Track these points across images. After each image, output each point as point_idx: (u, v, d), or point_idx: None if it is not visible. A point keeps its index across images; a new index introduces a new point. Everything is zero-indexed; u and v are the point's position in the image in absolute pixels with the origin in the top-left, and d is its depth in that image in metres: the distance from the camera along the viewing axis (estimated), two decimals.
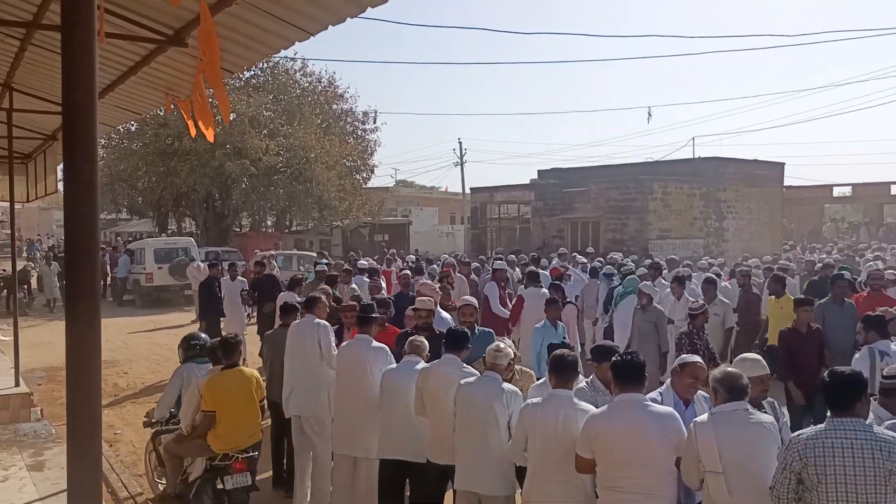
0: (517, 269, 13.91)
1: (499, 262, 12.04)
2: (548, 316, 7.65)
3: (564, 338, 7.13)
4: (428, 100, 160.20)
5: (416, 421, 5.24)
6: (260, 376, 5.91)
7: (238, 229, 34.74)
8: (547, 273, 12.21)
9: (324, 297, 6.82)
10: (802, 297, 7.77)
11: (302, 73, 31.68)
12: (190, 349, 6.35)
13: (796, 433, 3.61)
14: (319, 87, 32.30)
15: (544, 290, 9.81)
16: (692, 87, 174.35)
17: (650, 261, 13.48)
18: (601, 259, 15.06)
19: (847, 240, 29.97)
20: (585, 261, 14.77)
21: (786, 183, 30.75)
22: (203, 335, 6.82)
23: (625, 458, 3.82)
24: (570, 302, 9.10)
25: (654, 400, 4.47)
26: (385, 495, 5.45)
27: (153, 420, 6.46)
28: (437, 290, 8.46)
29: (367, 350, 5.79)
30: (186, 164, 26.71)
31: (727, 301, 9.23)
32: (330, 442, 6.10)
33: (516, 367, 5.31)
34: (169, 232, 32.78)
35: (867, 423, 3.47)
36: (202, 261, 18.21)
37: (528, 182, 30.30)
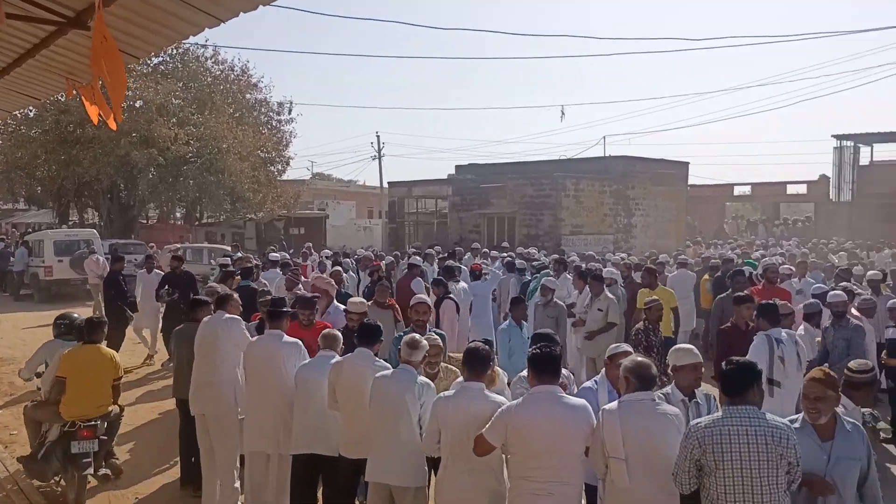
0: (434, 263, 14.01)
1: (416, 257, 12.06)
2: (513, 315, 7.68)
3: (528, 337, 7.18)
4: (346, 92, 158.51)
5: (330, 415, 5.22)
6: (117, 357, 6.51)
7: (145, 221, 33.44)
8: (464, 267, 12.36)
9: (235, 295, 6.67)
10: (743, 294, 7.50)
11: (213, 60, 30.75)
12: (56, 327, 7.05)
13: (694, 421, 3.79)
14: (232, 76, 31.43)
15: (462, 284, 9.93)
16: (603, 87, 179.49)
17: (557, 256, 13.82)
18: (512, 254, 15.33)
19: (747, 237, 31.61)
20: (501, 256, 15.00)
21: (690, 182, 32.13)
22: (75, 315, 7.20)
23: (541, 449, 3.89)
24: (450, 297, 9.10)
25: (588, 388, 4.62)
26: (298, 491, 5.40)
27: (25, 379, 7.33)
28: (333, 283, 8.40)
29: (280, 345, 5.71)
30: (89, 153, 25.50)
31: (612, 297, 9.37)
32: (237, 440, 6.00)
33: (443, 364, 5.31)
34: (70, 223, 31.24)
35: (760, 410, 3.67)
36: (105, 254, 17.44)
37: (445, 177, 30.49)
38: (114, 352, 6.58)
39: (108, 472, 6.73)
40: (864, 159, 34.69)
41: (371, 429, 4.78)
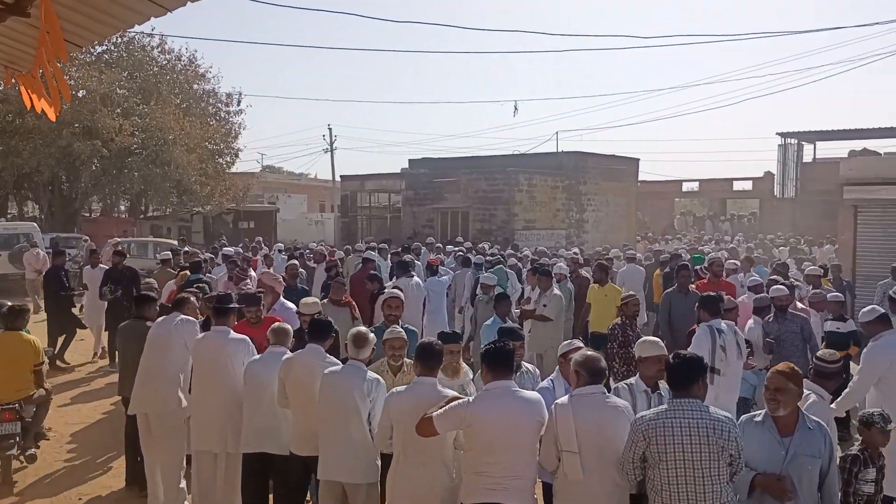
0: (388, 258, 13.94)
1: (370, 252, 11.96)
2: (497, 312, 7.65)
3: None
4: (297, 83, 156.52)
5: (281, 413, 5.14)
6: (38, 343, 6.85)
7: (87, 214, 32.45)
8: (417, 262, 12.32)
9: (193, 298, 6.51)
10: (708, 295, 7.10)
11: (160, 50, 29.94)
12: None
13: (640, 414, 3.86)
14: (179, 66, 30.65)
15: (416, 279, 9.87)
16: (557, 83, 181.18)
17: (510, 251, 13.92)
18: (463, 249, 15.37)
19: (695, 232, 32.33)
20: (455, 251, 15.02)
21: (640, 178, 32.66)
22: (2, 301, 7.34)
23: (496, 444, 3.90)
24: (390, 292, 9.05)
25: (546, 388, 4.60)
26: (248, 490, 5.31)
27: None
28: (280, 279, 8.24)
29: (226, 342, 5.60)
30: (29, 144, 24.58)
31: (557, 293, 9.34)
32: (182, 439, 5.88)
33: (407, 359, 5.24)
34: (9, 216, 30.10)
35: (703, 403, 3.74)
36: (46, 248, 16.87)
37: (398, 171, 30.38)
38: (35, 338, 6.90)
39: (35, 452, 6.98)
40: (808, 156, 35.82)
41: (321, 426, 4.73)
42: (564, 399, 4.01)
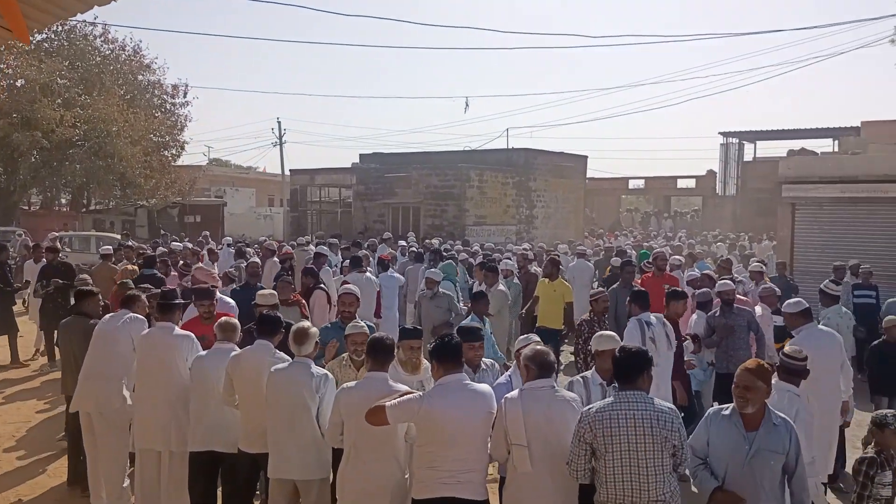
0: (339, 253, 13.84)
1: (322, 247, 11.85)
2: (473, 310, 7.61)
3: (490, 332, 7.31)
4: (246, 76, 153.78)
5: (229, 410, 5.07)
6: None
7: (27, 207, 31.37)
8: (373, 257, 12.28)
9: (143, 296, 6.36)
10: (678, 290, 7.50)
11: (103, 39, 29.06)
12: None
13: (586, 407, 3.93)
14: (123, 56, 29.79)
15: (368, 274, 9.82)
16: (507, 80, 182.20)
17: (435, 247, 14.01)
18: (415, 245, 15.41)
19: (640, 229, 32.99)
20: (409, 246, 15.02)
21: (588, 175, 33.15)
22: None
23: (450, 437, 3.92)
24: (321, 287, 8.94)
25: (502, 384, 4.61)
26: (195, 489, 5.22)
27: None
28: (215, 275, 8.11)
29: (171, 338, 5.50)
30: None
31: (502, 289, 9.47)
32: (125, 438, 5.77)
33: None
34: None
35: (648, 395, 3.85)
36: None
37: (349, 166, 30.16)
38: None
39: None
40: (748, 156, 36.86)
41: (269, 424, 4.68)
42: (514, 393, 4.06)
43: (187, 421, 5.32)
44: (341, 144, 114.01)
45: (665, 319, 6.82)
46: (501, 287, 9.26)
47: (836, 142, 25.96)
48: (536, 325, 9.55)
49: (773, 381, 4.51)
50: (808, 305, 6.42)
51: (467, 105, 49.21)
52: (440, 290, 8.85)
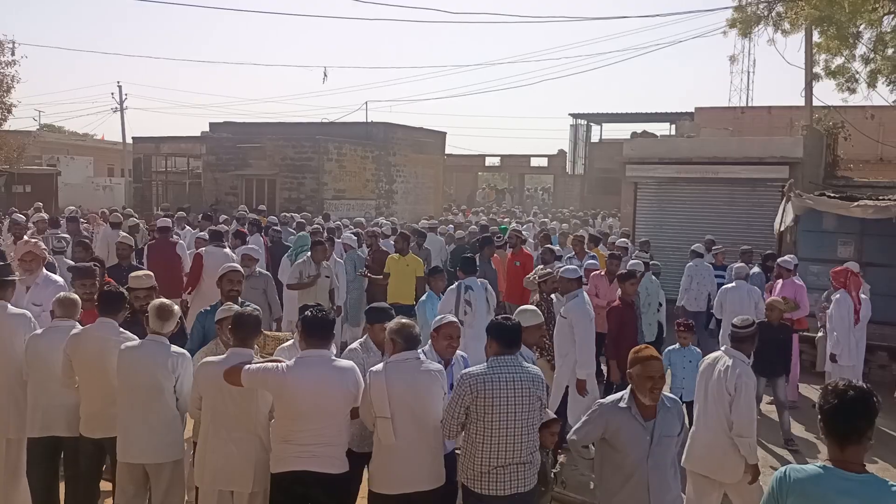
0: (186, 226, 13.14)
1: (164, 219, 11.11)
2: (432, 287, 7.49)
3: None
4: (81, 35, 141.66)
5: (68, 392, 4.72)
6: None
7: None
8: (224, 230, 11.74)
9: None
10: (627, 271, 7.61)
11: None
12: None
13: (466, 370, 4.05)
14: None
15: (226, 249, 9.34)
16: (366, 51, 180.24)
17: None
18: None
19: (497, 205, 33.95)
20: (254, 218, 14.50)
21: (447, 151, 33.57)
22: None
23: (307, 411, 3.87)
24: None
25: (416, 359, 4.26)
26: (35, 476, 4.89)
27: None
28: (43, 248, 7.40)
29: (4, 317, 5.05)
30: None
31: (340, 261, 9.63)
32: None
33: (266, 332, 4.94)
34: None
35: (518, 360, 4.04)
36: None
37: (198, 134, 28.67)
38: None
39: None
40: (595, 137, 38.78)
41: (118, 406, 4.42)
42: (379, 366, 4.08)
43: (25, 405, 4.90)
44: (189, 112, 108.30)
45: (488, 285, 7.44)
46: (338, 258, 9.44)
47: (674, 126, 27.91)
48: (388, 301, 9.40)
49: (725, 349, 4.94)
50: (581, 274, 7.17)
51: (326, 75, 48.15)
52: (257, 270, 8.17)
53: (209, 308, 5.64)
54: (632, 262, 8.78)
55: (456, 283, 7.17)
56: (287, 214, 16.29)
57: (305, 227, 12.93)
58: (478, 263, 8.29)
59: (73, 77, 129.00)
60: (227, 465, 4.08)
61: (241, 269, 6.15)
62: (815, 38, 16.08)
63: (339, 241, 11.11)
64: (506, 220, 21.06)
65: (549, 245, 10.35)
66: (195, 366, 4.38)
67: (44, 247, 6.98)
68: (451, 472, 4.18)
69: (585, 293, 7.07)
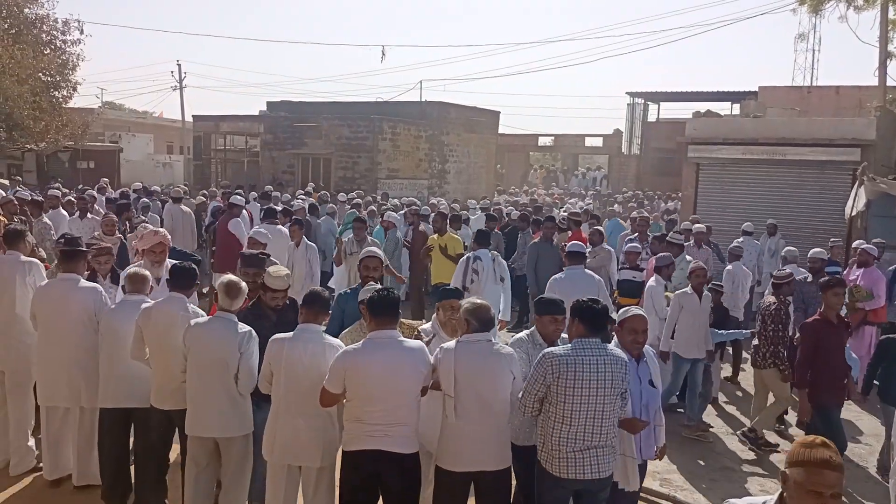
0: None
1: (236, 196, 11.29)
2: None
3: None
4: (143, 15, 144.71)
5: (140, 364, 4.81)
6: None
7: None
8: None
9: (29, 232, 5.86)
10: (830, 279, 6.15)
11: None
12: None
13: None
14: None
15: (281, 227, 9.46)
16: (422, 30, 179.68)
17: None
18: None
19: (552, 186, 33.52)
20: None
21: (500, 130, 33.28)
22: None
23: (378, 392, 3.88)
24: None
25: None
26: (106, 445, 5.01)
27: None
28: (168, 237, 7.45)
29: (76, 292, 5.18)
30: None
31: (312, 245, 9.31)
32: (31, 395, 5.45)
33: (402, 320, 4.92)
34: None
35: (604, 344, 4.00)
36: None
37: (256, 113, 29.06)
38: None
39: None
40: (652, 116, 37.96)
41: (188, 380, 4.49)
42: (451, 343, 4.05)
43: (97, 376, 5.03)
44: (246, 91, 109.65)
45: (498, 256, 7.85)
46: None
47: (737, 105, 27.05)
48: (433, 282, 9.42)
49: None
50: (584, 250, 7.45)
51: (384, 54, 48.14)
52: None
53: (349, 291, 5.46)
54: (787, 267, 8.20)
55: (468, 254, 7.70)
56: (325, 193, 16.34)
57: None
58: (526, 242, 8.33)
59: (133, 55, 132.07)
60: (295, 439, 4.12)
61: (381, 256, 5.77)
62: (892, 14, 15.34)
63: (383, 219, 11.45)
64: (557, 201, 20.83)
65: (598, 227, 10.40)
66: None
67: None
68: (530, 465, 4.15)
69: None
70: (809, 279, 8.07)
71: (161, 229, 6.38)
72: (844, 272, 8.95)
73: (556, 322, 4.40)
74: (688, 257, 8.54)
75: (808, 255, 8.48)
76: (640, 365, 4.34)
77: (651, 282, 7.72)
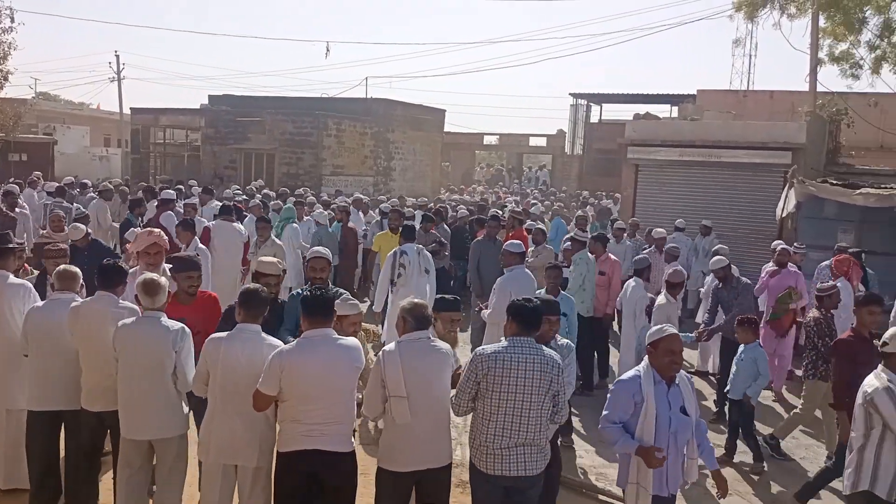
0: (214, 200, 13.05)
1: (168, 191, 11.04)
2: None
3: None
4: (80, 3, 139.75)
5: (69, 365, 4.68)
6: None
7: None
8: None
9: None
10: (869, 296, 5.87)
11: None
12: None
13: (480, 348, 4.06)
14: None
15: (236, 225, 9.28)
16: (368, 26, 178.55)
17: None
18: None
19: (494, 184, 33.79)
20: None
21: (445, 129, 33.36)
22: None
23: (315, 391, 3.86)
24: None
25: (633, 378, 4.00)
26: (35, 449, 4.85)
27: None
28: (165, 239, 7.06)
29: (4, 287, 5.01)
30: None
31: (203, 247, 8.81)
32: None
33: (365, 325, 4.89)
34: None
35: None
36: None
37: (198, 107, 28.42)
38: None
39: None
40: (594, 117, 38.58)
41: (119, 382, 4.38)
42: (391, 346, 4.06)
43: (24, 377, 4.87)
44: (188, 84, 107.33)
45: (423, 250, 8.26)
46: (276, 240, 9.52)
47: (675, 108, 27.73)
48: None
49: None
50: (523, 250, 7.49)
51: (328, 50, 47.63)
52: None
53: (300, 292, 5.17)
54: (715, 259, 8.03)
55: (395, 250, 8.16)
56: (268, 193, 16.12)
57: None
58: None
59: (70, 45, 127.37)
60: (232, 439, 4.07)
61: (328, 257, 5.60)
62: (822, 23, 15.95)
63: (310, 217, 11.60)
64: (507, 198, 21.00)
65: (541, 226, 10.69)
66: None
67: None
68: (554, 463, 4.21)
69: None
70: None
71: (155, 230, 6.08)
72: (763, 276, 9.02)
73: (550, 322, 4.63)
74: (590, 255, 8.50)
75: (710, 264, 8.16)
76: (672, 389, 3.95)
77: (631, 282, 7.97)
